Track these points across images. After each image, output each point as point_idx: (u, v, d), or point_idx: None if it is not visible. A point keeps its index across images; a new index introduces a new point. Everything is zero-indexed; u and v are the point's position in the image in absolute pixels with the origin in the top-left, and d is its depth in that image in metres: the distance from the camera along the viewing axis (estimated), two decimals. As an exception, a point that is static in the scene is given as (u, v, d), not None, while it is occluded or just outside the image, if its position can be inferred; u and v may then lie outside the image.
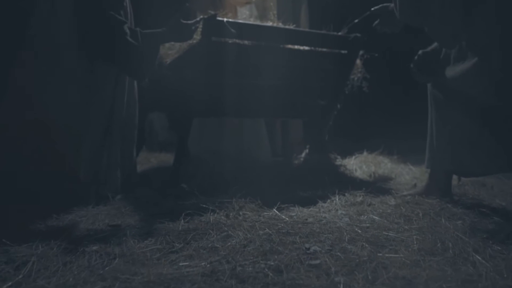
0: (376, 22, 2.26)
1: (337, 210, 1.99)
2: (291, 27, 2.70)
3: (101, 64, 2.01)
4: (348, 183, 2.57)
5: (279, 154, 3.88)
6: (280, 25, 2.67)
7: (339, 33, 2.90)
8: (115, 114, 2.10)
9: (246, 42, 2.56)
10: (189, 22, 2.14)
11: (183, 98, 2.65)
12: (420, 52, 2.12)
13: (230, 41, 2.52)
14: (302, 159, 3.23)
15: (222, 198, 1.98)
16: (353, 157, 3.29)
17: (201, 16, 2.25)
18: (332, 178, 2.69)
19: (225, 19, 2.38)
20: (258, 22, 2.68)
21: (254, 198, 1.97)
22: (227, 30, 2.37)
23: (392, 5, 2.11)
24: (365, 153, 3.36)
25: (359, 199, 2.14)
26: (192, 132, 2.94)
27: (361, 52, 3.00)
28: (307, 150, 3.26)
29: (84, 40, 1.93)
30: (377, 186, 2.58)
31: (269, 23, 2.68)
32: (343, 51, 2.97)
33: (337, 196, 2.15)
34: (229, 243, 1.50)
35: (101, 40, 1.92)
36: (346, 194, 2.20)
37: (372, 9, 2.25)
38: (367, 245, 1.49)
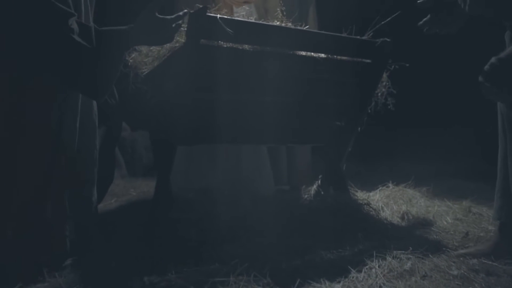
0: (426, 19, 1.64)
1: (380, 286, 1.37)
2: (304, 28, 2.09)
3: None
4: (379, 231, 1.96)
5: (283, 182, 3.27)
6: (290, 25, 2.06)
7: (363, 37, 2.29)
8: (62, 149, 1.46)
9: (246, 46, 1.95)
10: (168, 17, 1.53)
11: (163, 121, 2.03)
12: (493, 59, 1.50)
13: (225, 45, 1.90)
14: (313, 193, 2.61)
15: (214, 274, 1.34)
16: (377, 190, 2.67)
17: (185, 10, 1.63)
18: (357, 223, 2.07)
19: (218, 16, 1.77)
20: (262, 21, 2.07)
21: (260, 274, 1.33)
22: (222, 30, 1.75)
23: None
24: (390, 186, 2.73)
25: (407, 265, 1.51)
26: (178, 157, 2.32)
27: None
28: (319, 182, 2.63)
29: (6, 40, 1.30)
30: (417, 236, 1.97)
31: (276, 23, 2.06)
32: (366, 60, 2.37)
33: (375, 261, 1.53)
34: None
35: (33, 40, 1.29)
36: (387, 256, 1.57)
37: (421, 0, 1.63)
38: None
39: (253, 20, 1.99)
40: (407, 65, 2.41)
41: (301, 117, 2.36)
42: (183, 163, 2.72)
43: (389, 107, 2.53)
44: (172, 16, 1.52)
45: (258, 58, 2.00)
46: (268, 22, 2.03)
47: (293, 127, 2.36)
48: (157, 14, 1.49)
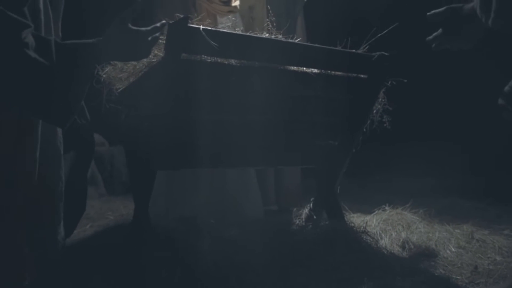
0: (436, 34, 1.46)
1: None
2: (296, 41, 1.90)
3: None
4: (381, 266, 1.77)
5: (272, 202, 3.07)
6: (280, 38, 1.87)
7: (358, 51, 2.11)
8: (18, 182, 1.24)
9: (232, 61, 1.76)
10: (144, 29, 1.33)
11: (139, 144, 1.82)
12: (515, 80, 1.33)
13: (209, 60, 1.71)
14: (305, 217, 2.41)
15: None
16: (374, 214, 2.48)
17: (164, 21, 1.42)
18: (356, 254, 1.88)
19: (201, 27, 1.57)
20: (250, 33, 1.88)
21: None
22: (205, 42, 1.56)
23: (470, 5, 1.32)
24: (387, 209, 2.55)
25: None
26: (159, 177, 2.12)
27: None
28: (311, 205, 2.44)
29: None
30: (423, 272, 1.78)
31: (265, 35, 1.87)
32: (362, 75, 2.19)
33: (382, 309, 1.33)
34: None
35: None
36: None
37: (431, 13, 1.44)
38: None
39: (240, 32, 1.80)
40: (405, 81, 2.24)
41: (292, 137, 2.17)
42: (165, 184, 2.51)
43: (385, 125, 2.35)
44: (148, 28, 1.32)
45: (245, 73, 1.81)
46: (257, 34, 1.84)
47: (283, 148, 2.17)
48: (130, 25, 1.28)
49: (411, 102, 4.49)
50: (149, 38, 1.32)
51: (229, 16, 2.69)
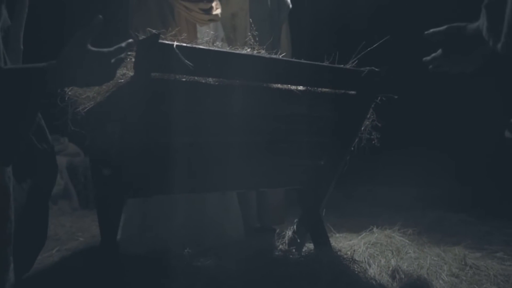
0: (435, 55, 1.31)
1: None
2: (280, 57, 1.75)
3: None
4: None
5: (254, 220, 2.92)
6: (263, 54, 1.71)
7: (347, 66, 1.97)
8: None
9: (210, 80, 1.60)
10: (106, 50, 1.16)
11: (108, 168, 1.65)
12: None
13: (184, 79, 1.55)
14: (288, 240, 2.27)
15: None
16: (361, 237, 2.35)
17: (130, 40, 1.25)
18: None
19: (175, 43, 1.41)
20: (230, 49, 1.72)
21: None
22: (179, 61, 1.40)
23: (474, 25, 1.18)
24: (375, 231, 2.42)
25: None
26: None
27: (375, 93, 2.08)
28: (294, 227, 2.29)
29: None
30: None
31: (247, 50, 1.71)
32: (351, 92, 2.05)
33: None
34: None
35: None
36: None
37: (430, 31, 1.29)
38: None
39: (218, 48, 1.64)
40: (396, 97, 2.10)
41: (274, 158, 2.02)
42: (141, 202, 2.35)
43: (373, 142, 2.22)
44: (111, 49, 1.15)
45: (224, 93, 1.66)
46: (238, 49, 1.68)
47: (265, 170, 2.02)
48: (89, 46, 1.11)
49: (398, 112, 4.40)
50: (113, 61, 1.15)
51: (210, 25, 2.53)
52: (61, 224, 2.83)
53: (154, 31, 1.41)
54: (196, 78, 1.56)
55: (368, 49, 2.00)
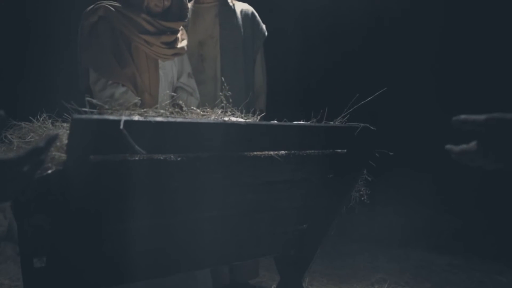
0: (466, 147, 0.98)
1: None
2: (257, 121, 1.42)
3: None
4: None
5: (224, 279, 2.59)
6: (237, 117, 1.38)
7: (336, 124, 1.66)
8: None
9: (171, 156, 1.25)
10: (14, 156, 0.80)
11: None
12: None
13: (136, 158, 1.20)
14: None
15: None
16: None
17: (56, 133, 0.89)
18: None
19: (122, 119, 1.06)
20: (195, 119, 1.38)
21: None
22: (127, 142, 1.05)
23: None
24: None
25: None
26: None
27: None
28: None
29: None
30: None
31: (218, 113, 1.37)
32: (340, 150, 1.74)
33: None
34: None
35: None
36: None
37: (462, 117, 0.96)
38: None
39: (180, 119, 1.29)
40: (391, 153, 1.81)
41: (251, 229, 1.69)
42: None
43: (362, 198, 1.92)
44: (21, 154, 0.80)
45: (189, 168, 1.31)
46: (207, 112, 1.34)
47: (239, 242, 1.70)
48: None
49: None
50: (25, 168, 0.80)
51: (175, 60, 2.19)
52: (3, 274, 2.40)
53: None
54: (152, 155, 1.22)
55: (362, 102, 1.71)
